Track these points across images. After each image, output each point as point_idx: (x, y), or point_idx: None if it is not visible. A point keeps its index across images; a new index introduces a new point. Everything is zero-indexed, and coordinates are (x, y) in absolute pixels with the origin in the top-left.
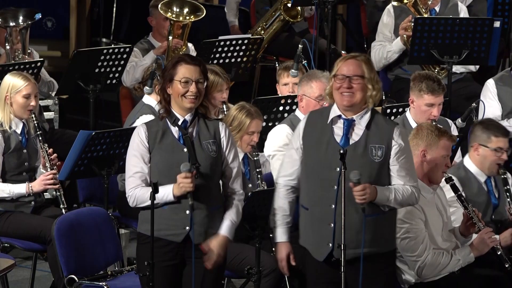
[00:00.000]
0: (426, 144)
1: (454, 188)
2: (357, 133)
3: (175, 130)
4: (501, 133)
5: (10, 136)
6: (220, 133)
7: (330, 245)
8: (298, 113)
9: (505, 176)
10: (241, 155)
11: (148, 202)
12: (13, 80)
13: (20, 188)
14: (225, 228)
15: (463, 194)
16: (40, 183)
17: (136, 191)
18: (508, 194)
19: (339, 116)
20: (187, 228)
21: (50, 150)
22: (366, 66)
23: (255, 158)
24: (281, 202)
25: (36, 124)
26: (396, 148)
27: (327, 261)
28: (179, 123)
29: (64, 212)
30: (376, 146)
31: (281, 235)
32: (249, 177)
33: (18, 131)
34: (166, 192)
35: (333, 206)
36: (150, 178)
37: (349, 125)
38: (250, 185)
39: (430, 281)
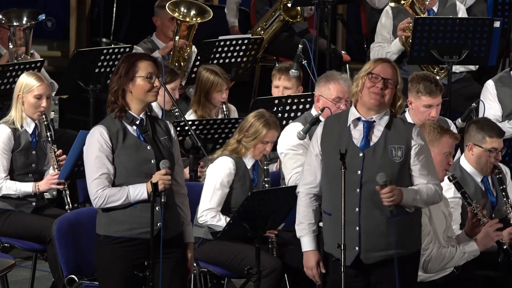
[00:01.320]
0: (428, 141)
1: (458, 185)
2: (376, 134)
3: (132, 130)
4: (496, 134)
5: (20, 135)
6: (171, 131)
7: (357, 248)
8: (313, 111)
9: (500, 176)
10: (251, 162)
11: (119, 202)
12: (26, 80)
13: (27, 187)
14: (190, 235)
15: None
16: (47, 182)
17: (106, 192)
18: (504, 193)
19: (359, 119)
20: (159, 224)
21: (59, 151)
22: (399, 74)
23: (265, 168)
24: (306, 211)
25: (46, 125)
26: (416, 147)
27: (353, 265)
28: (137, 122)
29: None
30: (396, 146)
31: (309, 244)
32: (255, 184)
33: (29, 131)
34: (139, 191)
35: (357, 209)
36: (115, 178)
37: (369, 127)
38: None
39: (430, 280)
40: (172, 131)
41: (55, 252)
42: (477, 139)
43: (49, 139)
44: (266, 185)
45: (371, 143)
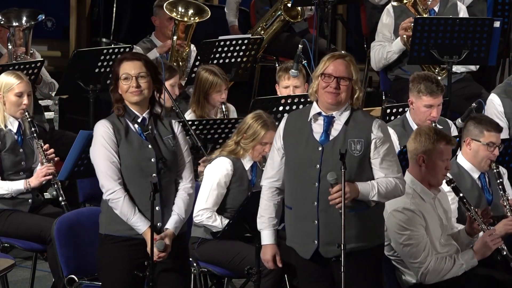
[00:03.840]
0: (424, 149)
1: (455, 190)
2: (336, 128)
3: (135, 128)
4: (494, 128)
5: (5, 135)
6: (174, 128)
7: (316, 242)
8: None
9: (498, 170)
10: (250, 163)
11: (121, 216)
12: (6, 79)
13: (18, 185)
14: (173, 223)
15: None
16: (37, 177)
17: (123, 203)
18: (500, 187)
19: (319, 114)
20: (159, 224)
21: (46, 146)
22: (353, 67)
23: (263, 169)
24: (267, 204)
25: (29, 121)
26: (376, 140)
27: (314, 258)
28: (139, 120)
29: (64, 206)
30: (355, 140)
31: (267, 237)
32: (254, 185)
33: (14, 130)
34: (140, 226)
35: (316, 203)
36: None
37: (329, 122)
38: None
39: None
40: (176, 129)
41: (55, 252)
42: (475, 134)
43: (34, 134)
44: None
45: (331, 137)
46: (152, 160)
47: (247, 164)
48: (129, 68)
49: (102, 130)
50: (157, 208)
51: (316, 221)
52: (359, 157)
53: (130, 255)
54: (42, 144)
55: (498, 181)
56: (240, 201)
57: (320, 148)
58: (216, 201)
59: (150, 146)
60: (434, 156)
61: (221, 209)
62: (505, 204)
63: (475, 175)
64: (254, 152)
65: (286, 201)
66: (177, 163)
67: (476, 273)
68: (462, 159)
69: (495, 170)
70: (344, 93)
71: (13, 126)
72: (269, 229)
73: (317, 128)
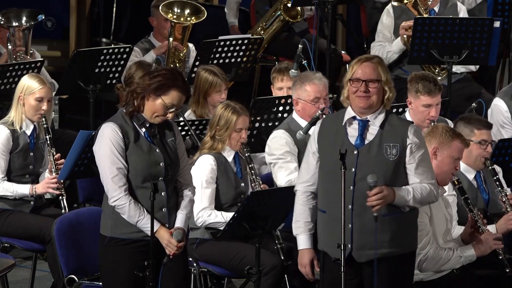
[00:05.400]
0: (438, 142)
1: (461, 191)
2: (372, 132)
3: (142, 131)
4: (483, 126)
5: (19, 136)
6: (174, 130)
7: (349, 245)
8: (295, 116)
9: (492, 167)
10: (231, 154)
11: (129, 220)
12: (28, 82)
13: (23, 189)
14: (182, 220)
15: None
16: (44, 185)
17: (130, 207)
18: (498, 183)
19: (354, 117)
20: (167, 225)
21: (58, 155)
22: (382, 68)
23: (246, 155)
24: (302, 209)
25: (46, 128)
26: (412, 146)
27: (347, 262)
28: (147, 125)
29: None
30: (391, 144)
31: (304, 242)
32: (241, 176)
33: (28, 133)
34: (149, 226)
35: (350, 206)
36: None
37: (364, 126)
38: (242, 184)
39: (430, 280)
40: (175, 129)
41: (54, 252)
42: (466, 133)
43: (48, 142)
44: (252, 171)
45: (366, 141)
46: (161, 164)
47: (228, 156)
48: (177, 101)
49: (111, 134)
50: (163, 210)
51: (350, 225)
52: (394, 162)
53: (135, 256)
54: (54, 153)
55: (495, 177)
56: (231, 195)
57: (355, 152)
58: (211, 198)
59: (158, 150)
60: (447, 150)
61: (217, 208)
62: (504, 200)
63: (471, 175)
64: (232, 141)
65: (319, 204)
66: (179, 165)
67: (476, 273)
68: None
69: (490, 167)
70: (375, 95)
71: (28, 128)
72: (306, 234)
73: (352, 132)
